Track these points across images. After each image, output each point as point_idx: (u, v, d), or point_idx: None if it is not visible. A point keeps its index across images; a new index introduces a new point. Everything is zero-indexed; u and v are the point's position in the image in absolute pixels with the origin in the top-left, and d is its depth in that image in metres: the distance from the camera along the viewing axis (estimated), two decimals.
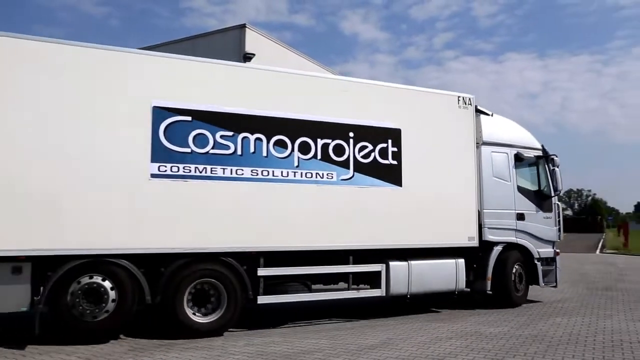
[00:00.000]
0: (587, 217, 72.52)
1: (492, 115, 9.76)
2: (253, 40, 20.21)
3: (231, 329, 7.28)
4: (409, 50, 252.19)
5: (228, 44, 20.57)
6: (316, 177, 7.79)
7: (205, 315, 7.09)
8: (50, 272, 6.30)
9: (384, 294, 8.22)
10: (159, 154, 6.84)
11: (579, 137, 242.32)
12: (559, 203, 10.20)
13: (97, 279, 6.51)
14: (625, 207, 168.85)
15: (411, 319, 8.25)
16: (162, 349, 6.25)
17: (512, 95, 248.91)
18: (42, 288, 6.29)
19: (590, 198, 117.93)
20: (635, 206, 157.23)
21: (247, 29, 20.11)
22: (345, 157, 8.02)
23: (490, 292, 9.25)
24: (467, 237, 8.90)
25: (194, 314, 7.02)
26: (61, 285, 6.35)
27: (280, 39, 21.76)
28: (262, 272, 7.36)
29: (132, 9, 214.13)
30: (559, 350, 6.07)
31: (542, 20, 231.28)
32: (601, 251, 29.35)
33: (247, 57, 19.29)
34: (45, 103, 6.37)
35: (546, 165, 10.05)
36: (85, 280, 6.46)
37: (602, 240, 39.24)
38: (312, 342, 6.67)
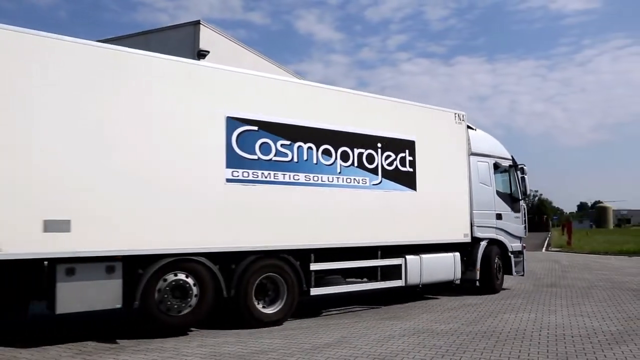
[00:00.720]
0: (534, 217, 72.19)
1: (475, 129, 11.41)
2: (207, 37, 20.24)
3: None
4: (364, 51, 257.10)
5: (182, 41, 20.42)
6: (354, 182, 8.81)
7: (268, 306, 7.85)
8: (141, 270, 6.72)
9: (404, 284, 9.47)
10: (232, 160, 7.47)
11: (526, 139, 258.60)
12: (524, 205, 12.16)
13: (181, 276, 7.02)
14: (568, 206, 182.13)
15: (365, 318, 8.45)
16: (112, 352, 6.17)
17: (462, 98, 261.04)
18: (135, 285, 6.69)
19: (537, 198, 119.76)
20: (578, 206, 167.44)
21: (201, 25, 20.09)
22: (375, 164, 9.12)
23: (478, 281, 10.87)
24: (462, 234, 10.44)
25: (263, 307, 7.75)
26: (150, 283, 6.79)
27: (234, 36, 21.92)
28: (314, 266, 8.24)
29: (80, 1, 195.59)
30: (506, 346, 6.31)
31: (491, 25, 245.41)
32: (547, 249, 30.34)
33: (201, 54, 19.39)
34: (136, 111, 6.77)
35: (515, 173, 11.93)
36: (170, 277, 6.94)
37: (547, 239, 40.25)
38: (266, 341, 6.67)
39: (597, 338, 6.74)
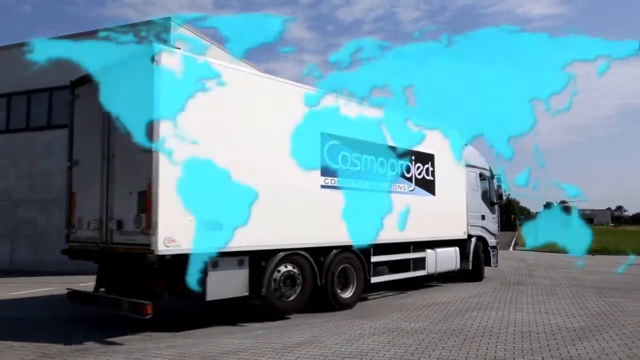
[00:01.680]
0: (503, 217, 74.29)
1: (467, 145, 13.66)
2: (178, 34, 20.53)
3: (155, 331, 7.44)
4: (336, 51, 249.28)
5: (152, 37, 20.46)
6: (398, 188, 10.54)
7: (342, 292, 9.31)
8: (263, 262, 7.88)
9: (426, 274, 11.38)
10: (324, 169, 8.87)
11: None
12: (498, 207, 14.71)
13: (290, 267, 8.27)
14: (535, 206, 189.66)
15: (336, 317, 8.49)
16: (77, 354, 6.13)
17: None
18: (260, 276, 7.84)
19: (505, 198, 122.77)
20: (544, 205, 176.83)
21: (172, 22, 20.35)
22: (410, 174, 10.93)
23: (470, 271, 13.10)
24: (462, 231, 12.62)
25: (340, 292, 9.20)
26: (271, 273, 7.98)
27: (205, 33, 22.09)
28: (374, 259, 9.86)
29: None
30: (474, 343, 6.42)
31: (462, 27, 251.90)
32: (514, 248, 31.31)
33: None
34: (265, 128, 8.02)
35: (492, 181, 14.42)
36: (283, 269, 8.19)
37: (514, 238, 41.44)
38: (236, 341, 6.66)
39: (561, 334, 6.93)
